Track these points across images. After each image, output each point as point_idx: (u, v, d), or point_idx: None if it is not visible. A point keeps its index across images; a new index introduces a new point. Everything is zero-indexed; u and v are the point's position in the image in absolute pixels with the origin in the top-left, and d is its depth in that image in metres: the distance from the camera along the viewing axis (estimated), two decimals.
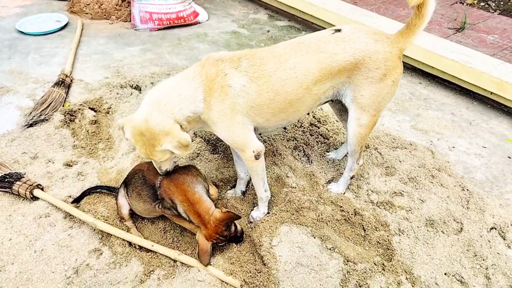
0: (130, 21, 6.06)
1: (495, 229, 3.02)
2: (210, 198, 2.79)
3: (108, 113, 4.08)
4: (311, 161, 3.58)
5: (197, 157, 3.57)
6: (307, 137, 3.80)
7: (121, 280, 2.66)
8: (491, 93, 4.33)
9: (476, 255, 2.82)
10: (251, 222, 3.01)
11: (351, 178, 3.21)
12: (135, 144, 2.49)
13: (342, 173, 3.25)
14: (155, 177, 2.78)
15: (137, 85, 4.44)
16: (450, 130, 4.12)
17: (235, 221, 2.74)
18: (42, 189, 3.18)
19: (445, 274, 2.72)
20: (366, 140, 2.93)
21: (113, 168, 3.47)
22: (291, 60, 2.54)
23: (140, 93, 4.33)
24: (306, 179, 3.39)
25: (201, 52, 5.42)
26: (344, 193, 3.24)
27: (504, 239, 2.96)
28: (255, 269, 2.66)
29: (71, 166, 3.49)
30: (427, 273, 2.72)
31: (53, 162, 3.50)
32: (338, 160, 3.59)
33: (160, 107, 2.40)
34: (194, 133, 3.76)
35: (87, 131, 3.80)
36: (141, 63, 5.07)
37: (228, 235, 2.68)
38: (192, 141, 3.57)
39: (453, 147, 3.89)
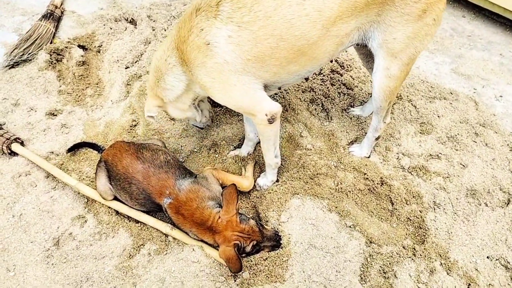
0: None
1: None
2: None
3: (99, 52, 3.59)
4: (331, 117, 3.11)
5: None
6: (327, 87, 3.27)
7: (107, 255, 2.39)
8: None
9: None
10: (257, 191, 2.57)
11: (377, 139, 2.73)
12: None
13: (367, 133, 2.75)
14: (160, 196, 2.31)
15: (132, 18, 3.90)
16: (498, 75, 3.61)
17: (261, 223, 2.34)
18: (21, 143, 2.87)
19: (487, 257, 2.38)
20: (395, 95, 2.44)
21: (101, 120, 3.08)
22: None
23: (136, 28, 3.77)
24: (324, 139, 2.94)
25: None
26: (369, 157, 2.80)
27: None
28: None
29: (55, 115, 3.12)
30: (466, 257, 2.35)
31: (35, 111, 3.13)
32: (363, 117, 3.08)
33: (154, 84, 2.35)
34: None
35: (74, 74, 3.36)
36: None
37: (249, 231, 2.18)
38: None
39: (501, 96, 3.41)
